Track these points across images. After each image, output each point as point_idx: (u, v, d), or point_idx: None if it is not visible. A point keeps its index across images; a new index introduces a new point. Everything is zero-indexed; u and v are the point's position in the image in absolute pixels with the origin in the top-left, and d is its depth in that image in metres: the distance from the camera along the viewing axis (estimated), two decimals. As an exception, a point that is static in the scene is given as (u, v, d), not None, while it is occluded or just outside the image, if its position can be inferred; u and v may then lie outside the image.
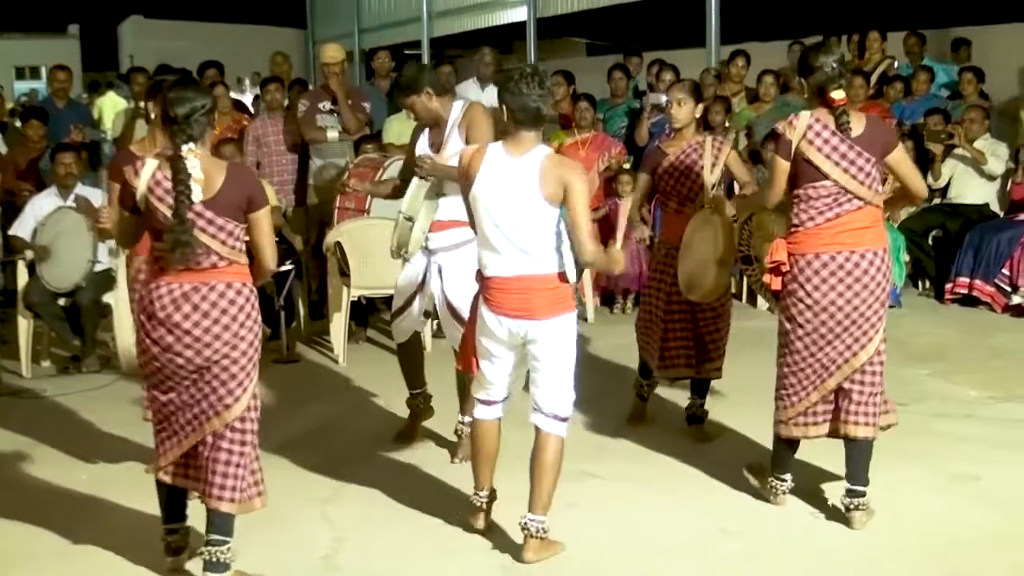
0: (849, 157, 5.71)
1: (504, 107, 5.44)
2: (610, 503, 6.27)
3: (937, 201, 11.67)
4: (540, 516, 5.47)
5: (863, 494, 5.83)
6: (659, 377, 7.41)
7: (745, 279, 6.34)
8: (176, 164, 4.99)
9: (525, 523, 5.47)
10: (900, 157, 5.95)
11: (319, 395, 8.54)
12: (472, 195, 5.46)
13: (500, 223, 5.37)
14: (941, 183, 11.57)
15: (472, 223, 5.62)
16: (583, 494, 6.24)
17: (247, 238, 5.26)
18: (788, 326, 5.90)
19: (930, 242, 11.40)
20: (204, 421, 5.16)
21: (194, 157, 5.00)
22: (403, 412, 7.44)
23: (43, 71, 28.08)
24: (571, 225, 5.31)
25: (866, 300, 5.81)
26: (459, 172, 5.61)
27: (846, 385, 5.86)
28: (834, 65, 5.81)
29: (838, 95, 5.76)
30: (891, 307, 10.59)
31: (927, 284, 11.51)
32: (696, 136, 7.17)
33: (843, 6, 18.22)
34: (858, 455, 5.89)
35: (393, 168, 9.63)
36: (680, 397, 7.55)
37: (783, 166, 5.80)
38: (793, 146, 5.74)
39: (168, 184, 5.03)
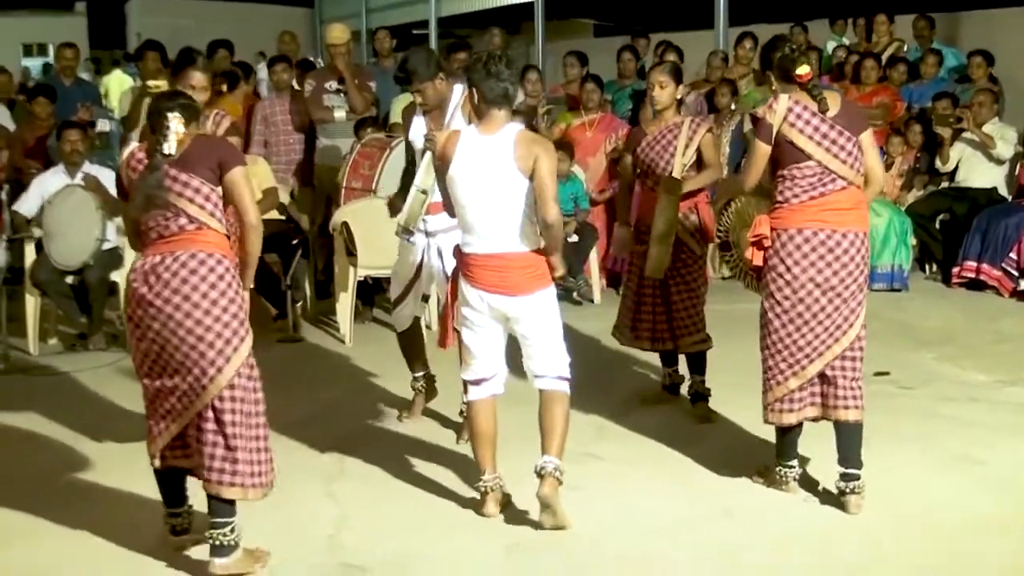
0: (831, 137, 5.73)
1: (474, 89, 5.61)
2: (611, 485, 6.26)
3: (945, 185, 11.67)
4: (555, 458, 5.55)
5: (857, 477, 5.81)
6: (631, 346, 7.68)
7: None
8: (154, 120, 5.05)
9: (542, 464, 5.54)
10: (869, 141, 5.90)
11: (325, 375, 8.55)
12: (449, 177, 5.59)
13: (478, 201, 5.53)
14: (949, 167, 11.56)
15: (449, 206, 5.74)
16: (584, 476, 6.21)
17: (224, 209, 5.25)
18: (767, 304, 5.89)
19: (937, 226, 11.40)
20: (188, 404, 5.10)
21: (178, 123, 5.02)
22: (408, 392, 7.45)
23: (50, 48, 28.00)
24: (536, 189, 5.43)
25: (844, 281, 5.76)
26: (436, 156, 5.71)
27: (828, 372, 5.84)
28: (791, 47, 5.95)
29: (803, 70, 5.80)
30: (897, 290, 10.76)
31: (934, 268, 11.52)
32: (675, 117, 7.31)
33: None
34: (849, 438, 5.87)
35: (400, 148, 9.63)
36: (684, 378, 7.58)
37: (764, 149, 5.82)
38: (775, 129, 5.76)
39: (144, 156, 5.11)
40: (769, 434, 6.24)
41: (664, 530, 5.70)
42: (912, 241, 11.10)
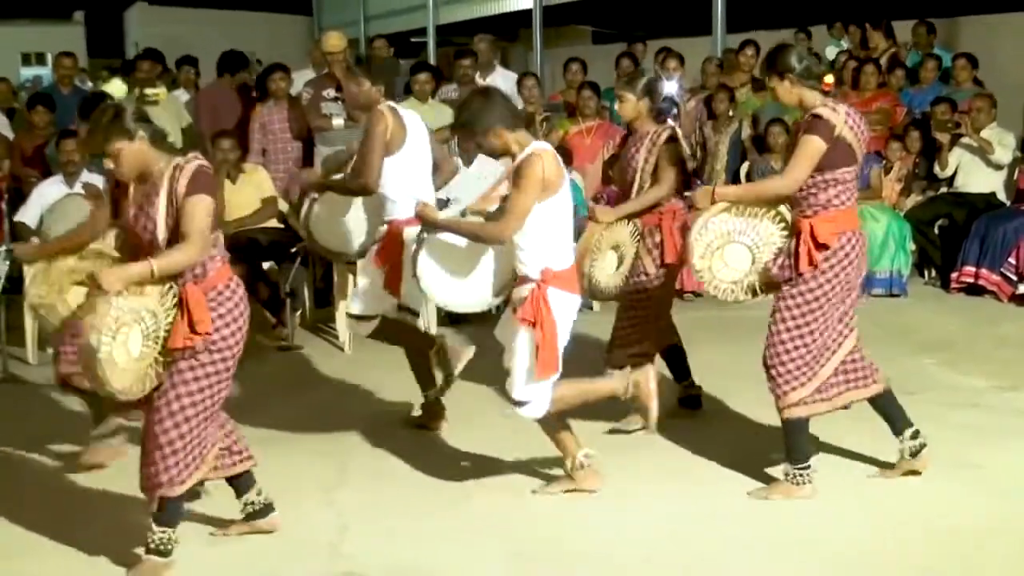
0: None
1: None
2: (615, 492, 6.24)
3: (944, 190, 11.67)
4: None
5: (918, 433, 6.17)
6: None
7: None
8: None
9: None
10: None
11: (324, 382, 8.56)
12: (558, 199, 5.64)
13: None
14: (948, 172, 11.56)
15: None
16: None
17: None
18: (814, 305, 5.88)
19: (936, 231, 11.39)
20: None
21: None
22: (405, 397, 7.45)
23: (49, 57, 28.04)
24: None
25: (859, 278, 6.07)
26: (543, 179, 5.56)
27: (848, 358, 6.02)
28: (812, 55, 6.17)
29: (830, 79, 6.03)
30: (896, 296, 10.76)
31: (933, 273, 11.51)
32: (647, 127, 7.11)
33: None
34: (890, 406, 6.17)
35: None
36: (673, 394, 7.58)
37: (822, 148, 5.77)
38: (837, 130, 5.78)
39: None
40: (768, 441, 6.24)
41: (666, 539, 5.70)
42: (911, 246, 11.10)
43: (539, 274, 5.57)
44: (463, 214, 6.07)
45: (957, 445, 6.79)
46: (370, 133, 6.91)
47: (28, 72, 29.33)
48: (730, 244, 6.01)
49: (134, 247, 5.15)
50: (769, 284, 6.05)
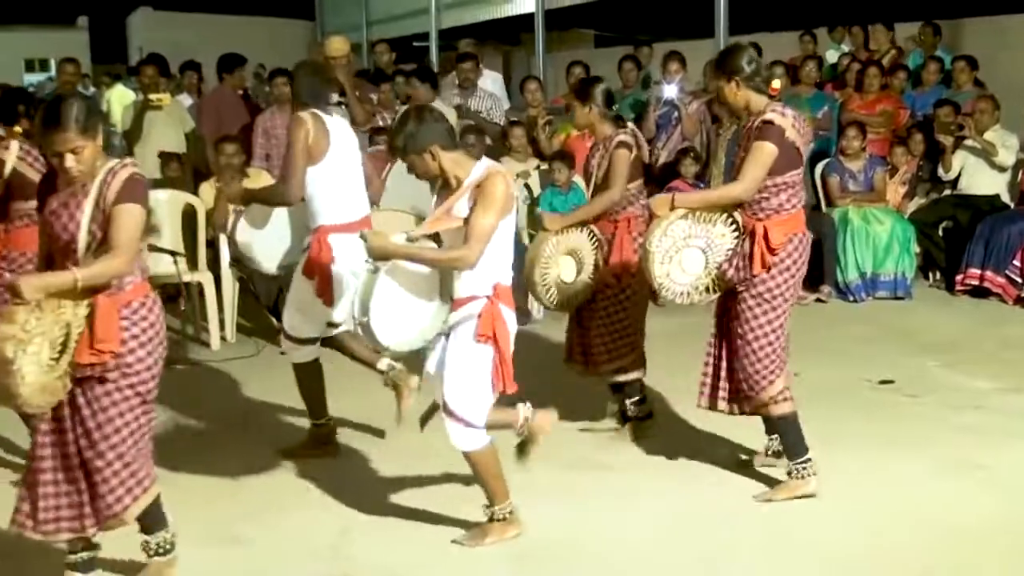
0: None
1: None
2: (616, 494, 6.28)
3: (948, 192, 11.65)
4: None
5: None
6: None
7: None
8: None
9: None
10: None
11: (328, 385, 8.52)
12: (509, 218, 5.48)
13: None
14: (952, 175, 11.53)
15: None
16: (589, 486, 6.29)
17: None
18: (772, 304, 6.02)
19: (941, 233, 11.38)
20: None
21: None
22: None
23: (52, 63, 28.07)
24: None
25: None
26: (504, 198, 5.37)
27: None
28: (759, 60, 6.15)
29: (777, 84, 6.27)
30: (901, 298, 10.76)
31: (938, 275, 11.49)
32: (605, 132, 7.09)
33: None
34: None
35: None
36: (674, 394, 7.54)
37: (774, 152, 5.88)
38: (786, 134, 5.89)
39: None
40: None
41: (666, 541, 5.71)
42: (915, 249, 11.09)
43: (491, 290, 5.42)
44: (410, 240, 5.51)
45: (961, 447, 6.81)
46: (290, 141, 6.66)
47: (31, 78, 29.36)
48: (686, 248, 6.06)
49: (49, 246, 4.95)
50: (722, 283, 6.13)
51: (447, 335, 5.48)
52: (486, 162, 5.50)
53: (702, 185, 11.37)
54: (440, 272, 5.43)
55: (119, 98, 13.44)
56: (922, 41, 13.87)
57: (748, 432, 6.82)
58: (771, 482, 6.27)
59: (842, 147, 11.46)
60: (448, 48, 22.09)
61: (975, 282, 10.80)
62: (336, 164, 6.71)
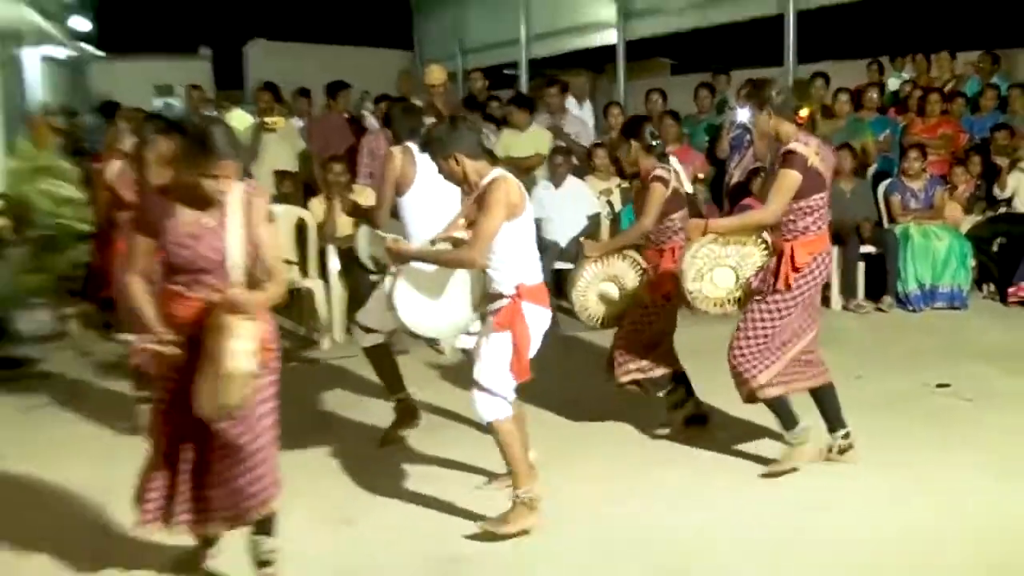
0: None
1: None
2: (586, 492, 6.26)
3: (1003, 210, 11.56)
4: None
5: (849, 435, 6.48)
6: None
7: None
8: None
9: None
10: None
11: (426, 384, 8.56)
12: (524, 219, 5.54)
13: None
14: (1007, 194, 11.48)
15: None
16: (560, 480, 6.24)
17: None
18: (783, 312, 6.14)
19: (995, 248, 11.28)
20: None
21: None
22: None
23: (177, 88, 28.57)
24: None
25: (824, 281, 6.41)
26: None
27: (803, 357, 6.28)
28: (788, 91, 6.28)
29: (804, 112, 6.34)
30: (957, 308, 10.68)
31: (992, 288, 11.39)
32: (647, 167, 7.05)
33: (909, 23, 18.05)
34: (830, 401, 6.46)
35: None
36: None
37: (798, 180, 5.99)
38: (809, 161, 5.98)
39: None
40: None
41: (630, 542, 5.64)
42: (971, 263, 11.01)
43: (514, 289, 5.46)
44: (432, 243, 5.84)
45: (1012, 448, 6.76)
46: (382, 174, 6.96)
47: (159, 102, 29.91)
48: (717, 268, 6.21)
49: (173, 262, 4.72)
50: (750, 294, 6.25)
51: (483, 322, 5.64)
52: (495, 171, 5.54)
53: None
54: (470, 275, 5.66)
55: (238, 121, 13.59)
56: (980, 69, 13.81)
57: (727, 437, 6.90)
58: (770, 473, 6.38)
59: (904, 168, 11.40)
60: (537, 75, 22.16)
61: (1028, 295, 10.72)
62: (423, 191, 6.86)
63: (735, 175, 11.74)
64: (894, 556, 5.36)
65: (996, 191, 11.56)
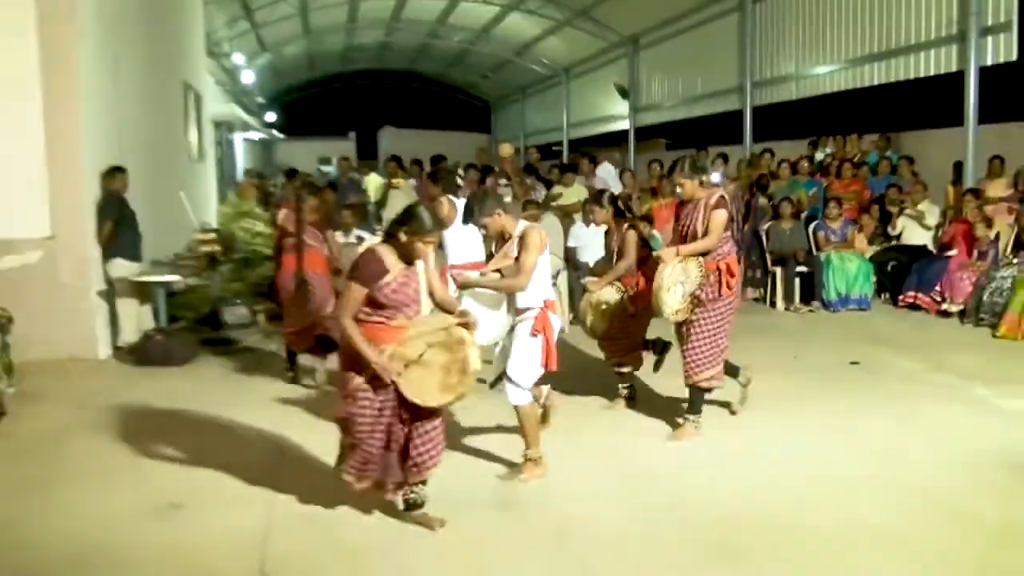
0: None
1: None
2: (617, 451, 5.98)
3: (895, 243, 11.41)
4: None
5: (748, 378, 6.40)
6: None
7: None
8: None
9: None
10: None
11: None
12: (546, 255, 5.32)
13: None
14: (897, 232, 11.33)
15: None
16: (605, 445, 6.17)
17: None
18: (724, 313, 5.95)
19: (889, 269, 11.12)
20: None
21: None
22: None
23: (333, 160, 28.91)
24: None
25: None
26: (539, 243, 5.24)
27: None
28: (699, 163, 6.10)
29: (706, 176, 6.11)
30: (864, 310, 10.51)
31: (887, 296, 11.22)
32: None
33: (832, 114, 17.89)
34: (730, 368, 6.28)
35: (547, 220, 9.71)
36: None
37: (727, 217, 5.91)
38: (729, 206, 5.95)
39: None
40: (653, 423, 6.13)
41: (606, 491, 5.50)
42: (873, 279, 10.86)
43: (542, 303, 5.25)
44: (482, 275, 5.46)
45: (902, 406, 6.67)
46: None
47: (322, 169, 30.28)
48: (675, 284, 5.91)
49: (388, 303, 4.38)
50: (695, 304, 5.96)
51: (512, 331, 5.32)
52: (524, 223, 5.37)
53: (737, 237, 11.25)
54: (506, 295, 5.33)
55: (373, 182, 13.75)
56: (879, 146, 13.72)
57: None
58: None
59: (827, 214, 11.28)
60: (574, 151, 22.17)
61: (911, 300, 10.52)
62: (456, 228, 6.84)
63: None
64: (819, 478, 5.28)
65: (890, 230, 11.41)
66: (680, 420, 6.16)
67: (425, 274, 4.48)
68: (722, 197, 5.93)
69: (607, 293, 6.71)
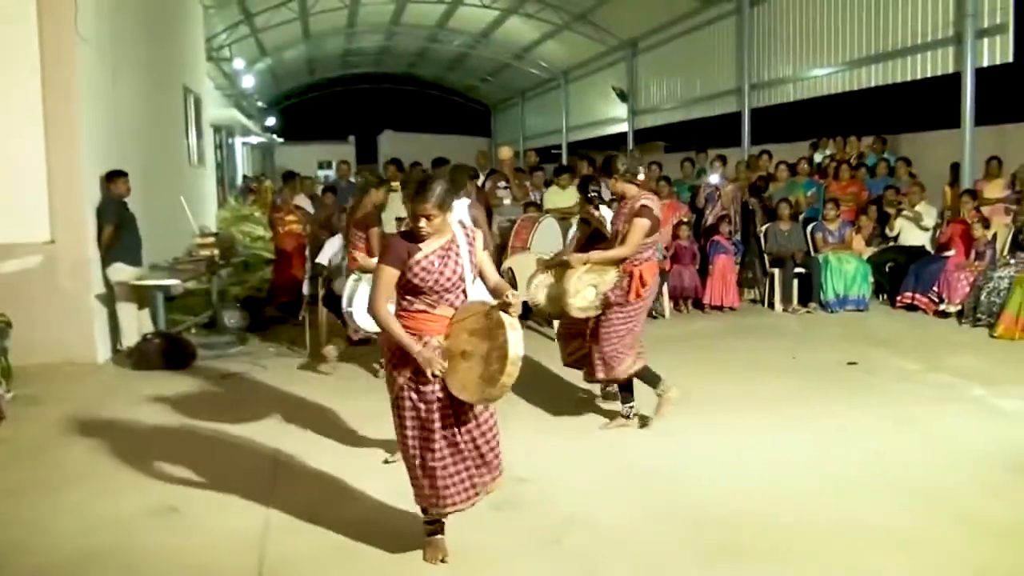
0: None
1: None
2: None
3: (892, 244, 11.39)
4: None
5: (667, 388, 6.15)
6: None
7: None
8: None
9: None
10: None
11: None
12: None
13: None
14: (895, 233, 11.30)
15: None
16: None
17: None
18: (632, 315, 5.91)
19: (887, 269, 11.10)
20: None
21: None
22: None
23: (333, 163, 28.93)
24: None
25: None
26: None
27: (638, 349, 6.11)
28: (630, 163, 5.97)
29: (641, 176, 6.00)
30: (862, 311, 10.50)
31: (885, 296, 11.20)
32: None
33: (830, 116, 17.89)
34: (649, 373, 6.13)
35: (545, 222, 9.70)
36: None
37: (648, 225, 5.79)
38: (654, 212, 5.81)
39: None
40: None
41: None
42: (871, 279, 10.84)
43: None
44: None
45: (900, 406, 6.65)
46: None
47: (321, 173, 30.30)
48: (587, 287, 5.86)
49: (417, 282, 4.06)
50: (605, 305, 5.93)
51: None
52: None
53: (735, 240, 11.29)
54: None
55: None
56: (876, 148, 13.69)
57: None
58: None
59: (825, 215, 11.26)
60: (573, 153, 22.17)
61: (909, 301, 10.50)
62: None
63: (709, 219, 11.67)
64: (818, 478, 5.26)
65: (887, 231, 11.39)
66: (627, 413, 6.16)
67: (469, 257, 4.13)
68: (644, 206, 5.78)
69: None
